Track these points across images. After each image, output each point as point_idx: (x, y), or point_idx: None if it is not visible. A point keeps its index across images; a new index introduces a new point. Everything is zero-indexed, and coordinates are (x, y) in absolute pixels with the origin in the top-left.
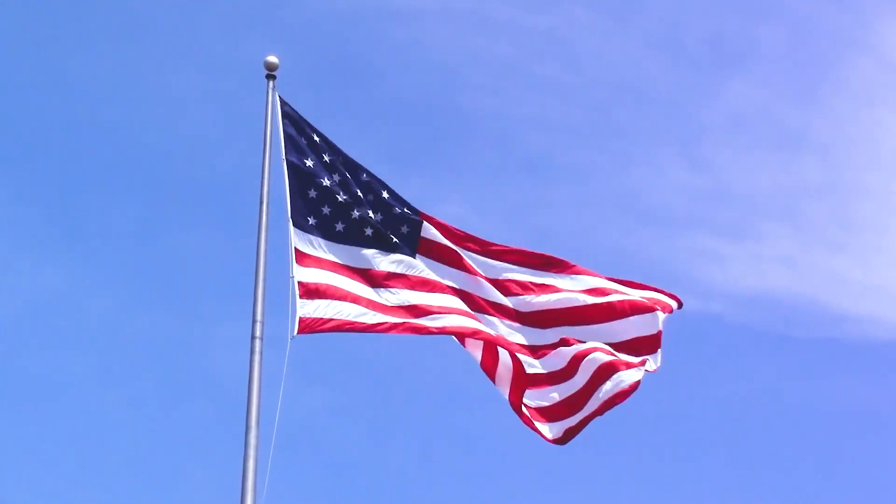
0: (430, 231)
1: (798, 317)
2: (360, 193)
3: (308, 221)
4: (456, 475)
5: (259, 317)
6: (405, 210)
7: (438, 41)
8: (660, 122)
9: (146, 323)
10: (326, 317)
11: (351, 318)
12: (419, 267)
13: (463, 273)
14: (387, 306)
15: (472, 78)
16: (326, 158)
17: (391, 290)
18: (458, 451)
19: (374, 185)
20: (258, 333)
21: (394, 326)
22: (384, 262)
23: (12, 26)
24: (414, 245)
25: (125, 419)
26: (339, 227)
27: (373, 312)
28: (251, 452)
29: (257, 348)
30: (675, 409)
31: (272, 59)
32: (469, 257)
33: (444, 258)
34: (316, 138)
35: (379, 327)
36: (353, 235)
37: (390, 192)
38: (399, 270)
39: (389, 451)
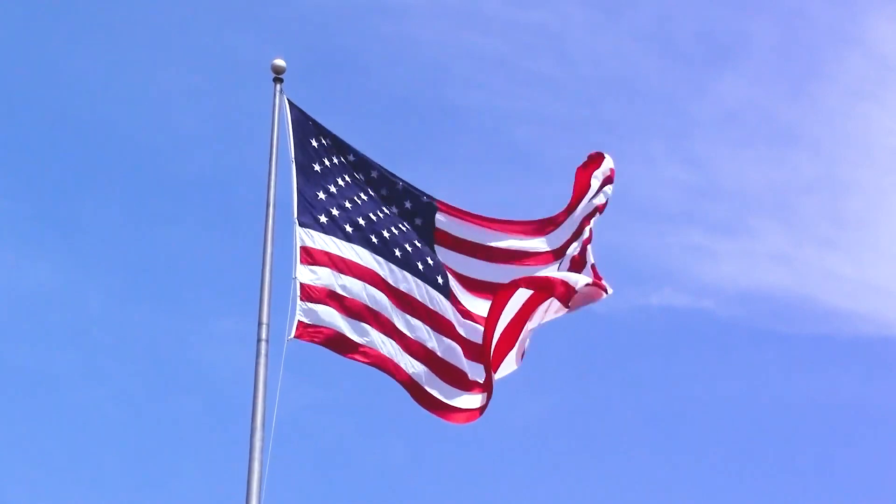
0: (443, 221)
1: (790, 313)
2: (370, 193)
3: (319, 219)
4: (447, 472)
5: (265, 319)
6: (423, 199)
7: (427, 36)
8: (651, 117)
9: (138, 319)
10: (321, 325)
11: (342, 332)
12: (413, 284)
13: (480, 261)
14: (379, 321)
15: (462, 72)
16: (336, 160)
17: (389, 312)
18: (449, 447)
19: (386, 179)
20: (264, 336)
21: (378, 358)
22: (385, 273)
23: (4, 23)
24: (430, 236)
25: (117, 416)
26: (349, 228)
27: (364, 327)
28: (256, 455)
29: (262, 350)
30: (667, 406)
31: (279, 62)
32: (484, 242)
33: (460, 248)
34: (325, 141)
35: (362, 355)
36: (361, 239)
37: (405, 184)
38: (400, 288)
39: (380, 448)
